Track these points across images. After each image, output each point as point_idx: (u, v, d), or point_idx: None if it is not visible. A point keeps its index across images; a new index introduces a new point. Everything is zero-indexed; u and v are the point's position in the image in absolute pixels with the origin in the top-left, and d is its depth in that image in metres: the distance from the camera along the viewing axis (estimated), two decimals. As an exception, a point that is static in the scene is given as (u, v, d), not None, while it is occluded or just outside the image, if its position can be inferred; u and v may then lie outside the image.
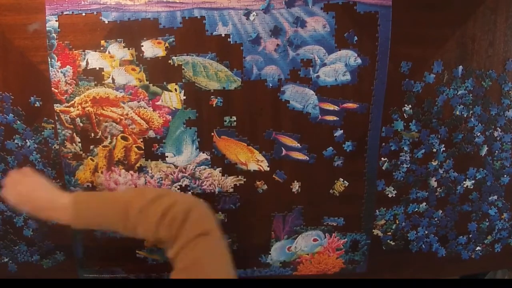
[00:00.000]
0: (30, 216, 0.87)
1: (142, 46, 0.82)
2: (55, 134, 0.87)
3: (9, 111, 0.86)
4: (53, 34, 0.81)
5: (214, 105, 0.86)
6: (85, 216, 0.75)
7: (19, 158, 0.88)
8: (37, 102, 0.85)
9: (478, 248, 1.03)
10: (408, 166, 0.93)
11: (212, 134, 0.88)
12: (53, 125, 0.86)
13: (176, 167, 0.90)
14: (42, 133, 0.87)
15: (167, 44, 0.82)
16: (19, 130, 0.87)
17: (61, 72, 0.83)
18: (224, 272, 0.68)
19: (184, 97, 0.85)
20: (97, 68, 0.83)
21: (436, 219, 0.99)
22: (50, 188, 0.79)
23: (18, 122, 0.86)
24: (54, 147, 0.88)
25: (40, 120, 0.86)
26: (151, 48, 0.82)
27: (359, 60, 0.85)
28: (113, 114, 0.86)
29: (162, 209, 0.69)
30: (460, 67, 0.88)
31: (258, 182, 0.92)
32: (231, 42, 0.83)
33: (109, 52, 0.82)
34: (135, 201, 0.72)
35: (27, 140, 0.87)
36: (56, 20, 0.80)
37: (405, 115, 0.90)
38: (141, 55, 0.83)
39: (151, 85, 0.84)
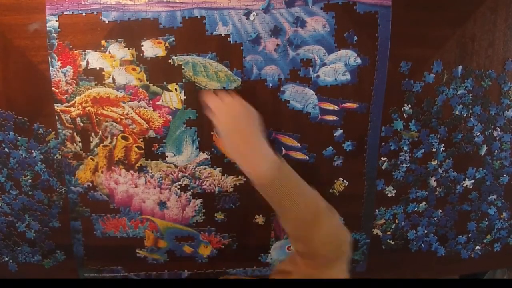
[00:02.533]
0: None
1: (142, 46, 0.82)
2: (56, 135, 0.87)
3: (10, 129, 0.86)
4: (54, 34, 0.81)
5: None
6: (286, 185, 0.74)
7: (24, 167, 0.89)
8: (40, 129, 0.86)
9: (477, 247, 1.03)
10: (407, 165, 0.93)
11: (212, 133, 0.88)
12: (54, 136, 0.87)
13: (176, 166, 0.90)
14: (48, 143, 0.87)
15: (167, 44, 0.82)
16: (23, 145, 0.87)
17: (62, 72, 0.83)
18: None
19: (184, 97, 0.85)
20: (98, 68, 0.83)
21: (435, 218, 0.99)
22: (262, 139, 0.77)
23: (20, 138, 0.87)
24: (56, 157, 0.88)
25: (40, 120, 0.86)
26: (151, 48, 0.82)
27: (359, 60, 0.85)
28: (113, 114, 0.86)
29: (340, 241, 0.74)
30: (460, 67, 0.88)
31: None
32: (231, 42, 0.83)
33: (109, 52, 0.82)
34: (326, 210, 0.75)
35: (33, 151, 0.88)
36: (56, 20, 0.80)
37: (404, 115, 0.90)
38: (141, 55, 0.83)
39: (151, 85, 0.84)
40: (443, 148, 0.93)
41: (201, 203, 0.93)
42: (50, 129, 0.87)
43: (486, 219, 1.01)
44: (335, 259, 0.73)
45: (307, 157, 0.91)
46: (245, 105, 0.80)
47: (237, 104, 0.79)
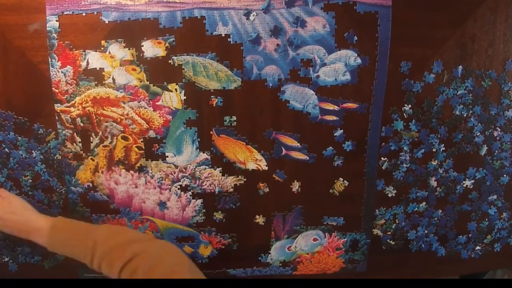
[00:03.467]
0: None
1: (143, 46, 0.82)
2: (56, 135, 0.87)
3: (10, 129, 0.86)
4: (54, 34, 0.81)
5: (214, 105, 0.86)
6: (57, 244, 0.81)
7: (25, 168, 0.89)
8: (40, 129, 0.86)
9: (477, 247, 1.03)
10: (407, 165, 0.93)
11: (211, 132, 0.88)
12: (54, 136, 0.87)
13: (176, 167, 0.90)
14: (48, 143, 0.87)
15: (167, 44, 0.82)
16: (23, 145, 0.87)
17: (62, 72, 0.83)
18: None
19: (185, 97, 0.85)
20: (98, 68, 0.83)
21: (435, 218, 0.99)
22: (26, 211, 0.84)
23: (20, 138, 0.87)
24: (57, 157, 0.88)
25: (40, 120, 0.86)
26: (151, 48, 0.82)
27: (359, 60, 0.85)
28: (113, 114, 0.86)
29: (128, 255, 0.73)
30: (460, 67, 0.88)
31: (261, 184, 0.92)
32: (231, 42, 0.83)
33: (109, 52, 0.82)
34: (105, 241, 0.77)
35: (33, 151, 0.88)
36: (56, 20, 0.80)
37: (405, 115, 0.90)
38: (141, 55, 0.83)
39: (151, 85, 0.84)
40: (443, 148, 0.93)
41: (201, 203, 0.93)
42: (50, 129, 0.87)
43: (486, 219, 1.01)
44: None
45: (307, 157, 0.91)
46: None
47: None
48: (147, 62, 0.83)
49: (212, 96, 0.86)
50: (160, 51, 0.83)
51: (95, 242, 0.77)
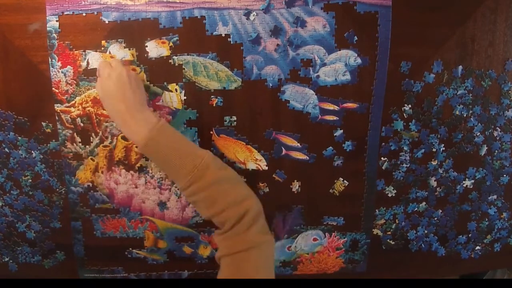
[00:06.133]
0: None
1: (147, 46, 0.82)
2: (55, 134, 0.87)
3: (10, 129, 0.86)
4: (54, 34, 0.81)
5: (214, 105, 0.86)
6: (161, 144, 0.74)
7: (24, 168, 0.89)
8: (48, 128, 0.86)
9: (477, 247, 1.03)
10: (408, 165, 0.93)
11: (211, 133, 0.88)
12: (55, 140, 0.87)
13: (176, 167, 0.90)
14: (48, 144, 0.88)
15: (171, 44, 0.82)
16: (23, 145, 0.87)
17: (62, 72, 0.83)
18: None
19: (185, 97, 0.85)
20: (98, 68, 0.83)
21: (435, 218, 0.99)
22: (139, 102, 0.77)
23: (20, 138, 0.87)
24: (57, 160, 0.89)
25: (40, 120, 0.86)
26: (156, 48, 0.82)
27: (359, 60, 0.85)
28: (113, 114, 0.86)
29: (240, 200, 0.75)
30: (460, 67, 0.88)
31: (261, 184, 0.92)
32: (231, 42, 0.83)
33: (109, 52, 0.82)
34: (217, 170, 0.75)
35: (32, 152, 0.88)
36: (56, 20, 0.80)
37: (405, 115, 0.90)
38: (145, 55, 0.83)
39: (151, 85, 0.84)
40: (443, 148, 0.93)
41: (201, 203, 0.93)
42: (53, 127, 0.87)
43: (486, 219, 1.01)
44: (243, 228, 0.74)
45: (307, 157, 0.91)
46: (132, 73, 0.79)
47: (124, 70, 0.77)
48: (147, 62, 0.83)
49: (212, 96, 0.86)
50: (164, 51, 0.83)
51: (206, 163, 0.74)
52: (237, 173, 0.81)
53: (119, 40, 0.82)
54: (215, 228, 0.94)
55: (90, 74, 0.83)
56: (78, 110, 0.85)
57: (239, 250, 0.73)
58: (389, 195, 0.96)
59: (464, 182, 0.96)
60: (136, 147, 0.86)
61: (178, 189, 0.81)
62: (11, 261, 0.97)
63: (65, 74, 0.83)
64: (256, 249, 0.73)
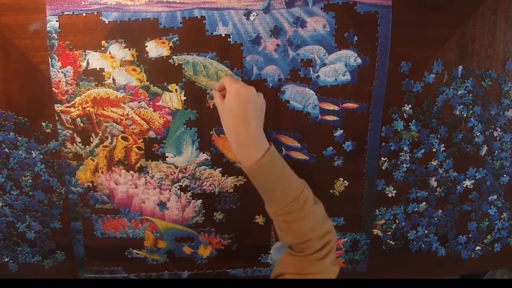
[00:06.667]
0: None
1: (147, 46, 0.82)
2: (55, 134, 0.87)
3: (10, 129, 0.86)
4: (54, 34, 0.81)
5: (214, 105, 0.86)
6: (270, 170, 0.77)
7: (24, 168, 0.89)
8: (48, 128, 0.87)
9: (477, 247, 1.03)
10: (408, 166, 0.93)
11: (211, 133, 0.88)
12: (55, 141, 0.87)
13: (176, 167, 0.90)
14: (48, 145, 0.88)
15: (171, 44, 0.82)
16: (23, 145, 0.87)
17: (62, 72, 0.83)
18: None
19: (185, 98, 0.85)
20: (98, 69, 0.83)
21: (435, 218, 0.99)
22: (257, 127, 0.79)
23: (20, 138, 0.87)
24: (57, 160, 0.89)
25: (41, 119, 0.86)
26: (156, 48, 0.82)
27: (359, 60, 0.85)
28: (113, 115, 0.86)
29: (324, 233, 0.78)
30: (460, 67, 0.88)
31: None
32: (231, 42, 0.83)
33: (109, 53, 0.82)
34: (312, 205, 0.79)
35: (32, 152, 0.88)
36: (56, 20, 0.80)
37: (405, 115, 0.90)
38: (145, 55, 0.83)
39: (151, 85, 0.84)
40: (443, 148, 0.93)
41: (201, 203, 0.93)
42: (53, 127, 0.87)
43: (486, 219, 1.01)
44: (319, 256, 0.77)
45: (307, 157, 0.91)
46: (256, 93, 0.79)
47: (251, 90, 0.77)
48: (147, 62, 0.83)
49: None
50: (164, 51, 0.83)
51: (305, 197, 0.78)
52: (323, 207, 0.83)
53: (119, 40, 0.82)
54: (216, 228, 0.95)
55: (90, 75, 0.83)
56: (78, 110, 0.85)
57: (311, 273, 0.76)
58: (389, 195, 0.96)
59: (464, 182, 0.96)
60: (240, 166, 0.84)
61: (266, 210, 0.82)
62: (11, 261, 0.97)
63: (65, 74, 0.83)
64: (324, 275, 0.77)
